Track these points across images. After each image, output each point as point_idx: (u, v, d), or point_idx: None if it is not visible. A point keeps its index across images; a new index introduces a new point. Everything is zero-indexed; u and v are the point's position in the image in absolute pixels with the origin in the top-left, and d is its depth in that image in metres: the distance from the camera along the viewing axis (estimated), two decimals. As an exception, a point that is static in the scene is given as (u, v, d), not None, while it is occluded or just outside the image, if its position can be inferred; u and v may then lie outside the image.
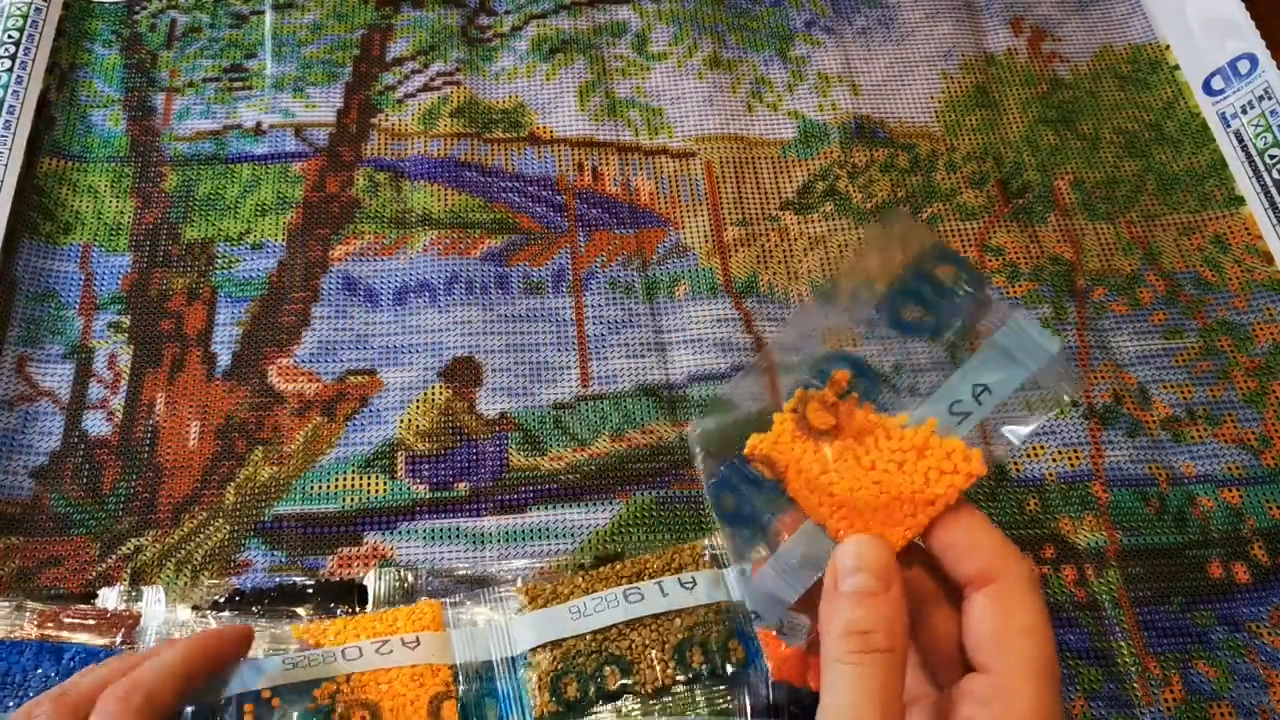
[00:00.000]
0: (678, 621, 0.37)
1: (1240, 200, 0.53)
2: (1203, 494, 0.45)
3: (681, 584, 0.39)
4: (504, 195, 0.53)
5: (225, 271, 0.50)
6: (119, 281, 0.50)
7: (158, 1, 0.59)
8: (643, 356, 0.49)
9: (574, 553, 0.43)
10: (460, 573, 0.43)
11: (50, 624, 0.39)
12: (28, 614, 0.39)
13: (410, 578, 0.42)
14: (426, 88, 0.56)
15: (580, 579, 0.39)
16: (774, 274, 0.51)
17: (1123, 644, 0.41)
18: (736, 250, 0.52)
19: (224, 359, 0.48)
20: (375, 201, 0.53)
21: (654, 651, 0.37)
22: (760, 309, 0.50)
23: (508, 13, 0.60)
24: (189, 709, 0.33)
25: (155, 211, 0.52)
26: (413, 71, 0.57)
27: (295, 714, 0.33)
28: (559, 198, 0.53)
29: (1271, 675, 0.41)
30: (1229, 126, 0.55)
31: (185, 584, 0.42)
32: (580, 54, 0.58)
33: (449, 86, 0.56)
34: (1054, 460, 0.46)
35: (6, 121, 0.51)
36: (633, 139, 0.55)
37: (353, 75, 0.57)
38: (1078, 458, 0.46)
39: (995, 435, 0.29)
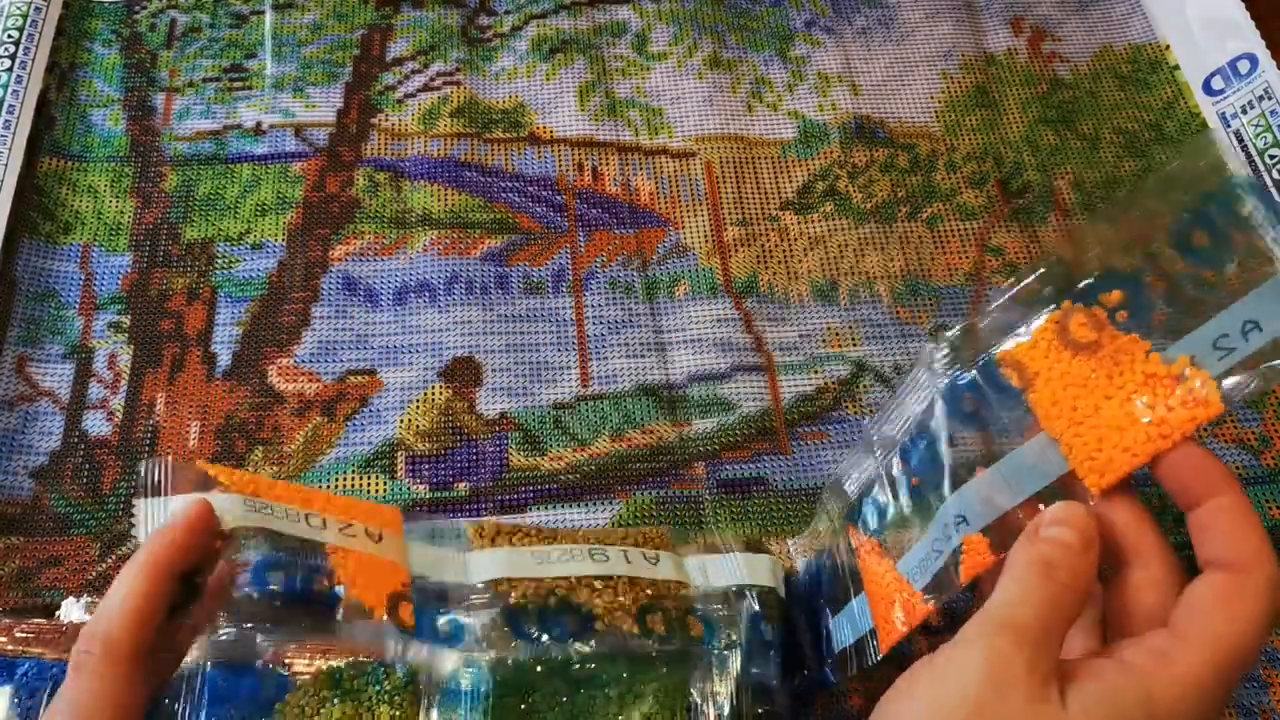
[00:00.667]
0: (641, 587, 0.37)
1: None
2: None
3: (645, 557, 0.39)
4: (504, 195, 0.53)
5: (225, 271, 0.50)
6: (119, 281, 0.50)
7: (158, 1, 0.59)
8: (643, 356, 0.49)
9: None
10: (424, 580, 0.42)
11: (4, 637, 0.39)
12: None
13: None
14: (426, 88, 0.56)
15: (537, 534, 0.39)
16: (774, 274, 0.51)
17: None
18: (736, 250, 0.52)
19: (224, 359, 0.48)
20: (375, 201, 0.53)
21: (617, 610, 0.37)
22: (760, 309, 0.50)
23: (508, 13, 0.60)
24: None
25: (155, 211, 0.52)
26: (413, 71, 0.57)
27: (265, 549, 0.33)
28: (559, 198, 0.53)
29: (1271, 675, 0.41)
30: (1229, 126, 0.55)
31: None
32: (580, 54, 0.58)
33: (449, 86, 0.56)
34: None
35: (6, 121, 0.51)
36: (633, 139, 0.55)
37: (353, 75, 0.57)
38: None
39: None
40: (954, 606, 0.38)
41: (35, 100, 0.53)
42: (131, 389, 0.47)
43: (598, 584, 0.37)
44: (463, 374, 0.48)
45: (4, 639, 0.39)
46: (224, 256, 0.51)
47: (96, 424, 0.46)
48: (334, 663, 0.36)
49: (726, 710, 0.36)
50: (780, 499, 0.45)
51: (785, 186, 0.54)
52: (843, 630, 0.37)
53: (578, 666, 0.37)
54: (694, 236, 0.52)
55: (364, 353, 0.48)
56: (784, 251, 0.52)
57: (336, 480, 0.45)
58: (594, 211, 0.53)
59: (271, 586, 0.33)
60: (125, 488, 0.44)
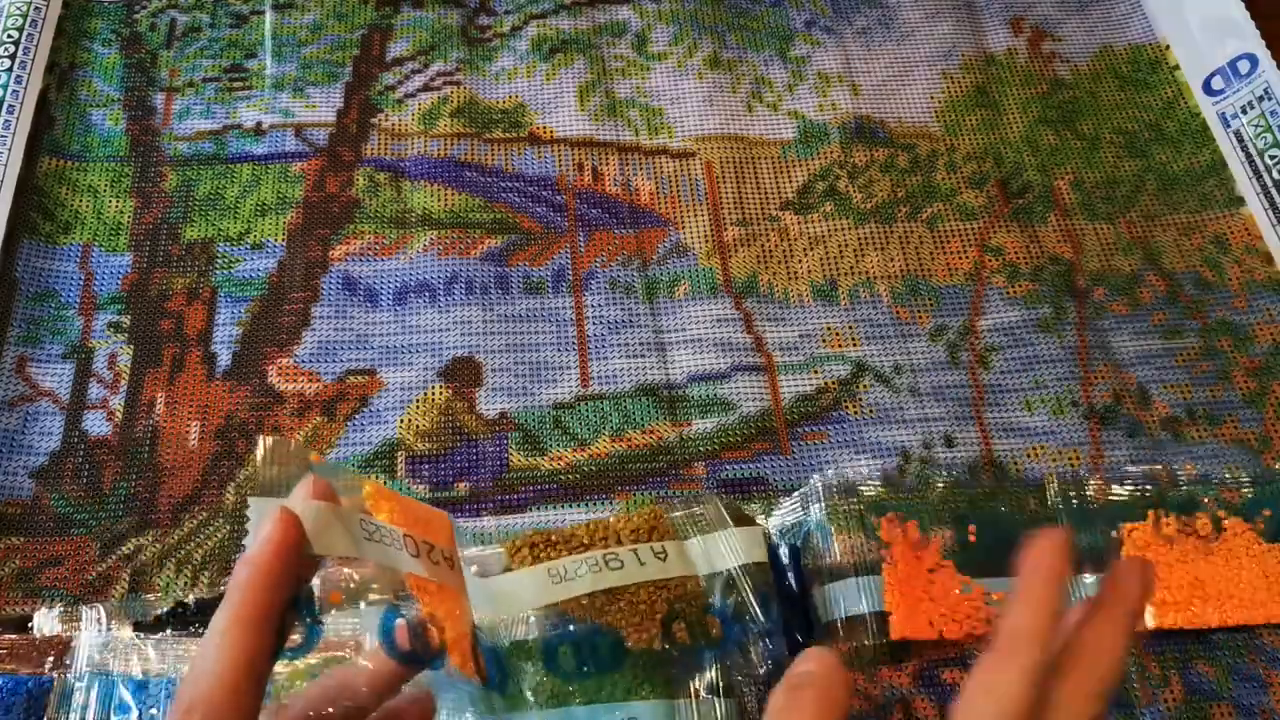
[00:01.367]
0: (659, 592, 0.39)
1: (1240, 200, 0.53)
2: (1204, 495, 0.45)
3: (655, 554, 0.40)
4: (504, 195, 0.53)
5: (225, 271, 0.50)
6: (119, 281, 0.50)
7: (158, 1, 0.59)
8: (643, 356, 0.49)
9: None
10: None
11: None
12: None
13: (358, 577, 0.41)
14: (426, 88, 0.56)
15: (554, 536, 0.40)
16: (774, 274, 0.51)
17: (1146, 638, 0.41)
18: (736, 250, 0.52)
19: (224, 359, 0.48)
20: (375, 201, 0.53)
21: (642, 626, 0.38)
22: (760, 309, 0.50)
23: (508, 13, 0.59)
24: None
25: (155, 211, 0.52)
26: (413, 71, 0.57)
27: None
28: (559, 198, 0.53)
29: (1271, 675, 0.41)
30: (1229, 126, 0.55)
31: (185, 584, 0.42)
32: (580, 54, 0.58)
33: (449, 86, 0.56)
34: (1054, 460, 0.46)
35: (6, 121, 0.51)
36: (633, 139, 0.55)
37: (353, 75, 0.57)
38: (1077, 458, 0.46)
39: None
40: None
41: (35, 100, 0.53)
42: (131, 389, 0.47)
43: (620, 602, 0.38)
44: (463, 374, 0.48)
45: None
46: (224, 256, 0.51)
47: (96, 424, 0.46)
48: (312, 660, 0.37)
49: (707, 681, 0.38)
50: (780, 499, 0.45)
51: (785, 186, 0.54)
52: (837, 603, 0.40)
53: (559, 648, 0.38)
54: (694, 236, 0.52)
55: (364, 353, 0.48)
56: (784, 251, 0.52)
57: (336, 480, 0.45)
58: (594, 211, 0.53)
59: (402, 648, 0.29)
60: (125, 487, 0.44)
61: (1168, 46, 0.59)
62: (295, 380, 0.47)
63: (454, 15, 0.59)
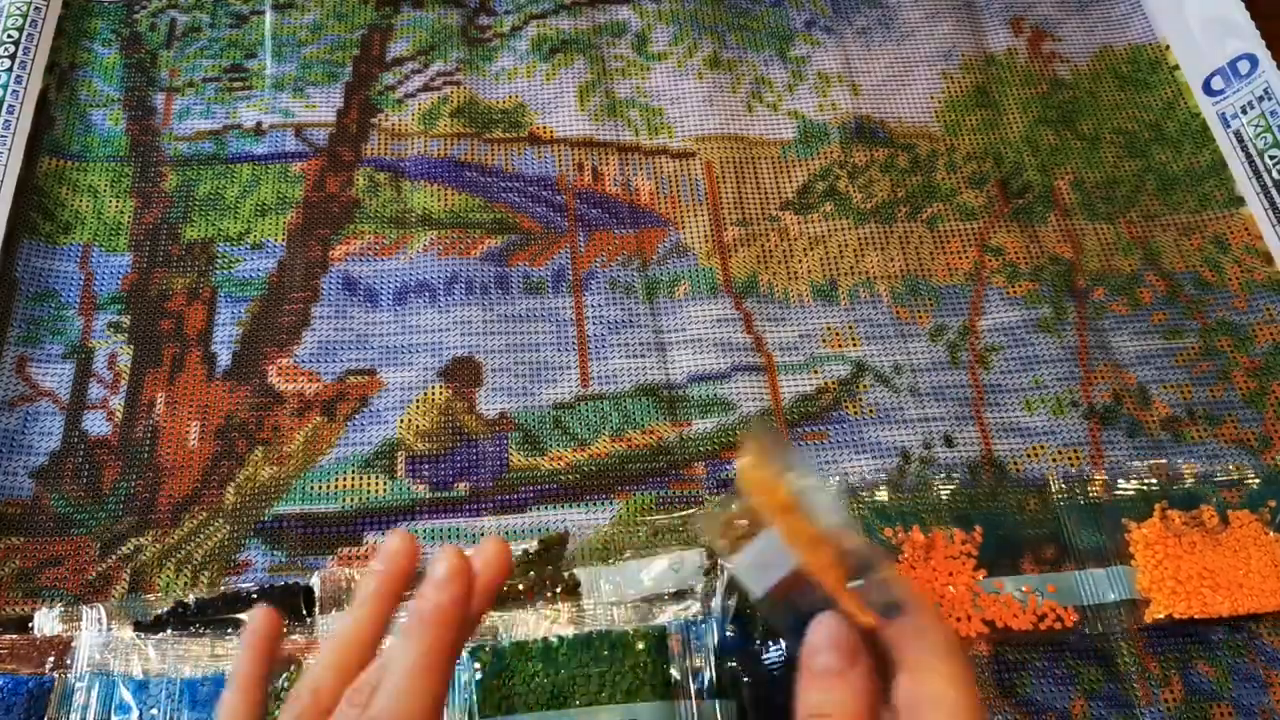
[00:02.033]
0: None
1: (1240, 201, 0.53)
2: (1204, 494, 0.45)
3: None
4: (504, 195, 0.53)
5: (225, 271, 0.50)
6: (119, 281, 0.50)
7: (158, 1, 0.59)
8: (643, 356, 0.49)
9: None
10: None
11: None
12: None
13: (357, 577, 0.42)
14: (426, 88, 0.56)
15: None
16: (774, 274, 0.51)
17: (1123, 644, 0.41)
18: (736, 250, 0.52)
19: (224, 359, 0.48)
20: (375, 201, 0.53)
21: None
22: (760, 309, 0.50)
23: (508, 13, 0.59)
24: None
25: (155, 211, 0.52)
26: (413, 71, 0.57)
27: None
28: (559, 198, 0.53)
29: (1271, 675, 0.41)
30: (1229, 127, 0.55)
31: (185, 584, 0.42)
32: (580, 54, 0.58)
33: (449, 86, 0.56)
34: (1054, 460, 0.46)
35: (6, 121, 0.51)
36: (633, 139, 0.55)
37: (353, 75, 0.57)
38: (1078, 457, 0.46)
39: None
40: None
41: (35, 100, 0.53)
42: (131, 389, 0.47)
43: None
44: (463, 374, 0.48)
45: None
46: (224, 256, 0.51)
47: (96, 424, 0.46)
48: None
49: (706, 682, 0.37)
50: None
51: (785, 186, 0.54)
52: None
53: (559, 648, 0.38)
54: (694, 236, 0.52)
55: (364, 352, 0.48)
56: (784, 251, 0.52)
57: (336, 480, 0.45)
58: (594, 211, 0.53)
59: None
60: (125, 487, 0.44)
61: (1168, 46, 0.59)
62: (295, 380, 0.47)
63: (454, 15, 0.59)
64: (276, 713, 0.33)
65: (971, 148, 0.56)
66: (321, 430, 0.46)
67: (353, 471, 0.45)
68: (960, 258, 0.52)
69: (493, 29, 0.59)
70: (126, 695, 0.38)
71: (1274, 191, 0.52)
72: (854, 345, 0.49)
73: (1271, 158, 0.52)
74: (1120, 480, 0.44)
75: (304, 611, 0.40)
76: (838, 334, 0.50)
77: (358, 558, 0.43)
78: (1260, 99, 0.53)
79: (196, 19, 0.58)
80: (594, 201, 0.53)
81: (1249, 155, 0.53)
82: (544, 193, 0.53)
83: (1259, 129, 0.53)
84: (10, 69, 0.53)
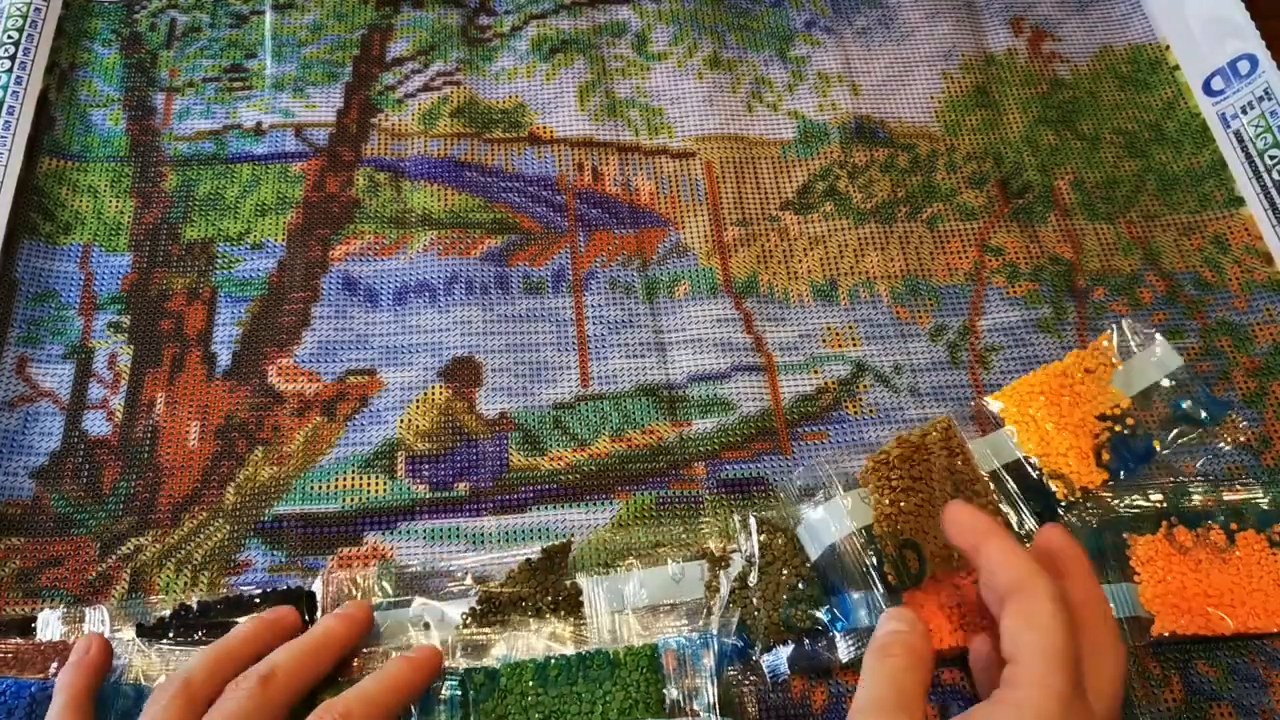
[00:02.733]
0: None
1: (1240, 201, 0.53)
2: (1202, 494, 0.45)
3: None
4: (504, 195, 0.53)
5: (225, 271, 0.50)
6: (119, 281, 0.50)
7: (158, 1, 0.59)
8: (642, 356, 0.49)
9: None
10: (411, 570, 0.42)
11: None
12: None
13: (360, 580, 0.42)
14: (426, 88, 0.56)
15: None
16: (774, 274, 0.51)
17: (1122, 644, 0.41)
18: (736, 250, 0.52)
19: (224, 359, 0.48)
20: (375, 201, 0.53)
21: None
22: (760, 309, 0.50)
23: (508, 13, 0.60)
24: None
25: (155, 211, 0.52)
26: (413, 71, 0.57)
27: None
28: (559, 198, 0.53)
29: (1271, 675, 0.41)
30: (1229, 127, 0.55)
31: (185, 584, 0.42)
32: (580, 54, 0.58)
33: (449, 86, 0.56)
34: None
35: (6, 122, 0.51)
36: (633, 139, 0.55)
37: (353, 75, 0.57)
38: (1078, 458, 0.46)
39: None
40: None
41: (35, 100, 0.53)
42: (131, 389, 0.47)
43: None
44: (463, 374, 0.48)
45: None
46: (224, 256, 0.51)
47: (96, 424, 0.46)
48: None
49: (707, 700, 0.38)
50: (780, 499, 0.45)
51: (785, 186, 0.54)
52: (859, 611, 0.40)
53: (552, 668, 0.38)
54: (694, 236, 0.52)
55: (364, 353, 0.48)
56: (784, 251, 0.52)
57: (336, 480, 0.45)
58: (594, 211, 0.53)
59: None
60: (125, 487, 0.44)
61: (1168, 47, 0.59)
62: (295, 380, 0.47)
63: (454, 15, 0.59)
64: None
65: (971, 148, 0.56)
66: (321, 430, 0.46)
67: (353, 471, 0.45)
68: (960, 258, 0.52)
69: (493, 29, 0.59)
70: (128, 701, 0.38)
71: (1274, 192, 0.52)
72: (854, 345, 0.49)
73: (1271, 158, 0.52)
74: (1126, 495, 0.44)
75: (305, 616, 0.40)
76: (838, 334, 0.50)
77: (358, 558, 0.43)
78: (1260, 99, 0.53)
79: (196, 19, 0.58)
80: (594, 201, 0.53)
81: (1249, 155, 0.53)
82: (544, 193, 0.53)
83: (1259, 129, 0.53)
84: (10, 70, 0.53)
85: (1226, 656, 0.41)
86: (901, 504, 0.40)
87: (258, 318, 0.49)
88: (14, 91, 0.52)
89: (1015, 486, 0.43)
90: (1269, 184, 0.52)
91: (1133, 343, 0.47)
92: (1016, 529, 0.42)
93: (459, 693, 0.38)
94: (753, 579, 0.41)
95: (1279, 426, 0.47)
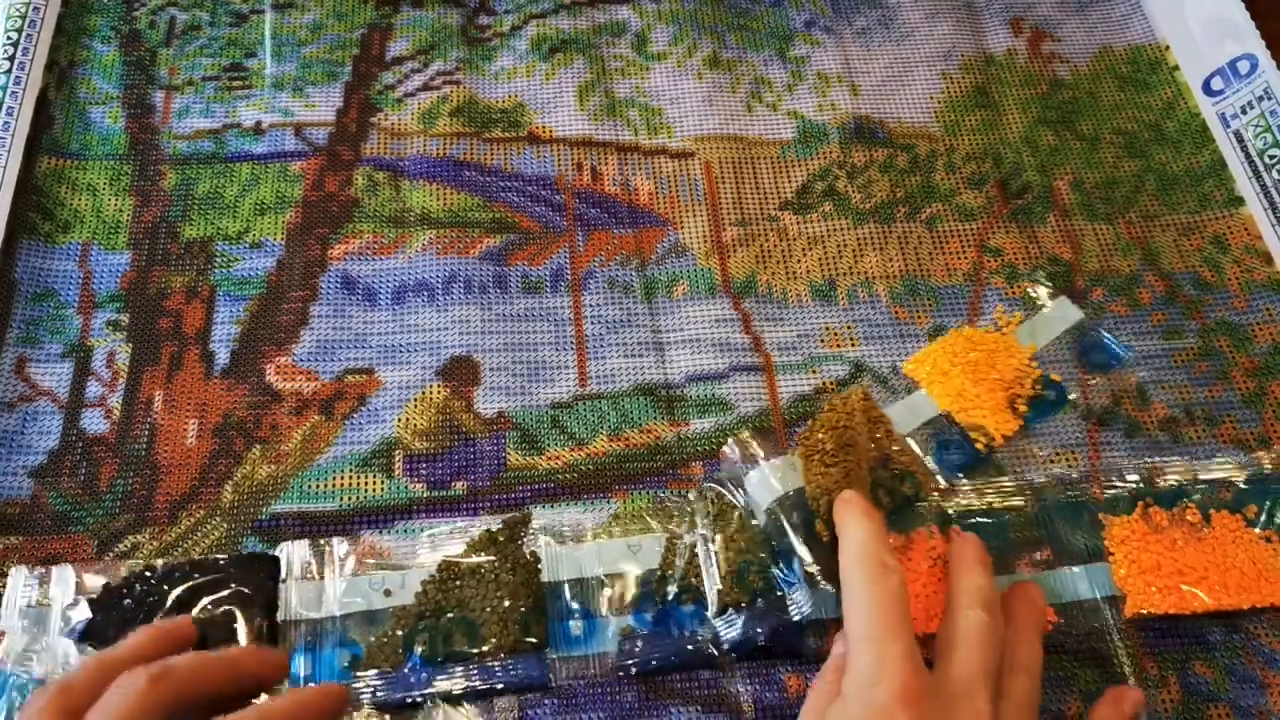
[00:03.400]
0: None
1: (1240, 201, 0.53)
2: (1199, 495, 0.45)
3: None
4: (503, 195, 0.53)
5: (224, 270, 0.50)
6: (118, 280, 0.50)
7: None
8: (641, 356, 0.49)
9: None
10: (389, 546, 0.43)
11: None
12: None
13: (327, 549, 0.42)
14: (426, 87, 0.56)
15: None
16: (772, 274, 0.51)
17: (1120, 644, 0.41)
18: (735, 250, 0.52)
19: (222, 357, 0.48)
20: (374, 201, 0.53)
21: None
22: (758, 309, 0.50)
23: (507, 12, 0.60)
24: None
25: (154, 210, 0.52)
26: (412, 71, 0.57)
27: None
28: (558, 197, 0.53)
29: (1269, 676, 0.41)
30: (1229, 127, 0.55)
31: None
32: (580, 54, 0.58)
33: (448, 86, 0.56)
34: (1051, 461, 0.46)
35: (5, 121, 0.51)
36: (632, 139, 0.55)
37: (352, 74, 0.57)
38: (1075, 458, 0.46)
39: None
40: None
41: (35, 100, 0.53)
42: (129, 387, 0.47)
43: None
44: (461, 373, 0.48)
45: None
46: (223, 255, 0.51)
47: (94, 422, 0.46)
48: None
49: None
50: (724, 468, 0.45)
51: (784, 186, 0.54)
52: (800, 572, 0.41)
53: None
54: (693, 236, 0.52)
55: (362, 351, 0.48)
56: (783, 251, 0.52)
57: (334, 479, 0.45)
58: (593, 211, 0.53)
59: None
60: (123, 485, 0.44)
61: (1167, 47, 0.59)
62: (293, 379, 0.47)
63: (454, 15, 0.59)
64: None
65: (971, 148, 0.56)
66: (319, 429, 0.46)
67: (350, 470, 0.45)
68: (959, 258, 0.52)
69: (492, 28, 0.59)
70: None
71: (1274, 191, 0.52)
72: (852, 345, 0.49)
73: (1271, 158, 0.52)
74: (1102, 475, 0.44)
75: (271, 583, 0.40)
76: (836, 334, 0.49)
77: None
78: (1260, 99, 0.53)
79: (196, 17, 0.58)
80: (593, 201, 0.53)
81: (1248, 155, 0.53)
82: (543, 192, 0.53)
83: (1259, 129, 0.53)
84: (9, 70, 0.53)
85: (1224, 658, 0.41)
86: (832, 469, 0.41)
87: (256, 316, 0.49)
88: (13, 92, 0.52)
89: (935, 442, 0.45)
90: (1268, 184, 0.52)
91: (1039, 301, 0.50)
92: (938, 487, 0.44)
93: None
94: (710, 546, 0.41)
95: (1278, 427, 0.47)
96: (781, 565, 0.40)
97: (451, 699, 0.39)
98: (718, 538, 0.41)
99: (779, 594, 0.40)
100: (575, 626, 0.40)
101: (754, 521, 0.42)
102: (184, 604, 0.40)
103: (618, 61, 0.58)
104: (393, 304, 0.50)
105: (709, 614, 0.40)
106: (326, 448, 0.46)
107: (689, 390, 0.48)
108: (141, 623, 0.39)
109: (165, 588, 0.40)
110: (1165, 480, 0.44)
